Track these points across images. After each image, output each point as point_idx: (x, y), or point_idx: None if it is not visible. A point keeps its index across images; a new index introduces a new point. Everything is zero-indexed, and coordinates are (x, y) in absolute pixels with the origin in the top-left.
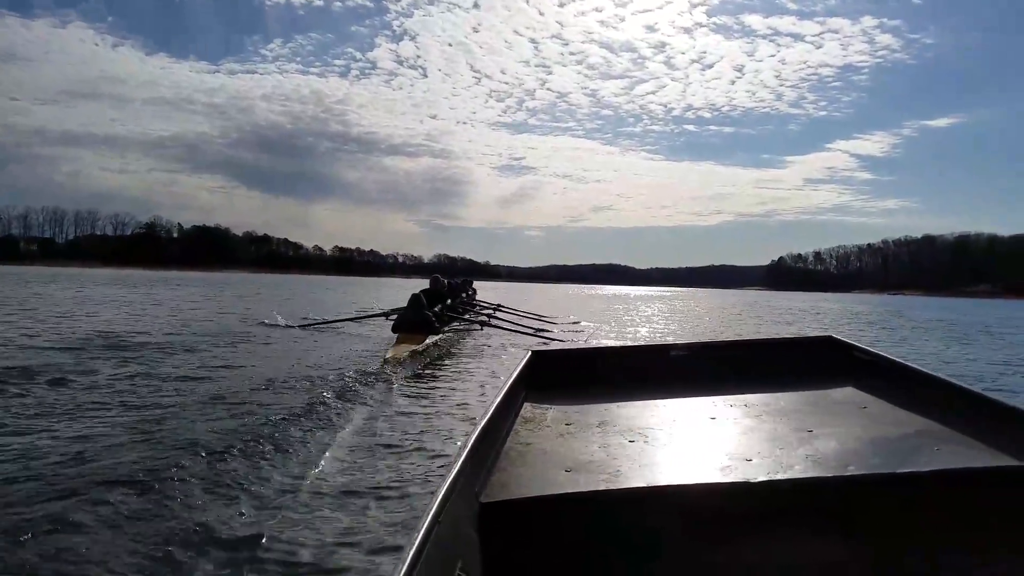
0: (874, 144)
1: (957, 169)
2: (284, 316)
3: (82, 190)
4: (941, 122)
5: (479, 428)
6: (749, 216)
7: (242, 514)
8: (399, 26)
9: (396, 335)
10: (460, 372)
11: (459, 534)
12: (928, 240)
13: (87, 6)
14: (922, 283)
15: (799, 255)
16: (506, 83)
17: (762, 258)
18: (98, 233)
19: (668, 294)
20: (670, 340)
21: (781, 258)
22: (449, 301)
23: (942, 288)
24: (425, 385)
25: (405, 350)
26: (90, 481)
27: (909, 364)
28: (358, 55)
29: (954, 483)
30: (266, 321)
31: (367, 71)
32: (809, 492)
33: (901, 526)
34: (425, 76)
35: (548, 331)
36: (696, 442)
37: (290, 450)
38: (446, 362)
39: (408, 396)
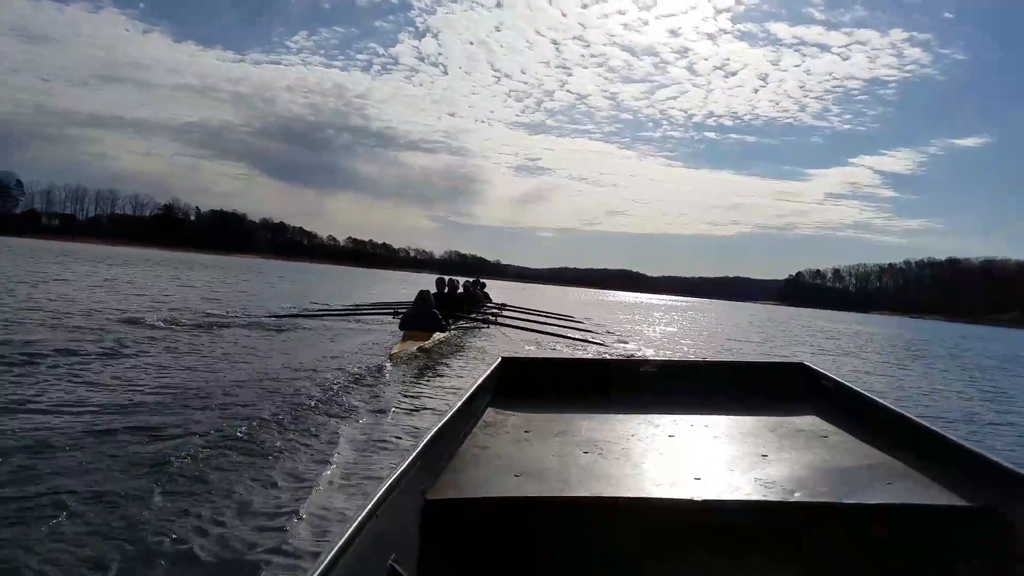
0: (899, 161)
1: (984, 190)
2: (296, 304)
3: (107, 171)
4: (969, 141)
5: (435, 428)
6: (767, 228)
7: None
8: (422, 23)
9: (403, 332)
10: (463, 370)
11: (398, 528)
12: (952, 263)
13: None
14: (945, 308)
15: (817, 271)
16: (526, 83)
17: (778, 272)
18: (118, 212)
19: (682, 304)
20: (641, 356)
21: (799, 273)
22: (458, 304)
23: (965, 314)
24: (428, 382)
25: (411, 347)
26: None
27: (874, 397)
28: (380, 50)
29: (899, 518)
30: (281, 307)
31: (389, 66)
32: (753, 515)
33: (842, 555)
34: (446, 73)
35: (565, 331)
36: (650, 458)
37: (294, 445)
38: (451, 360)
39: (409, 394)
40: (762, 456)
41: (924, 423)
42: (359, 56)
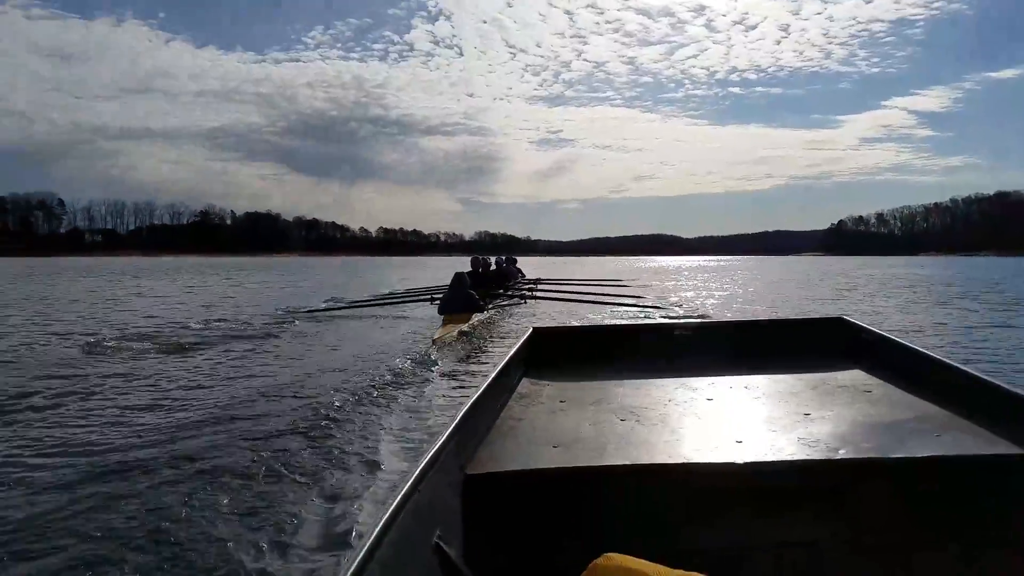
0: (933, 99)
1: None
2: (333, 298)
3: (141, 182)
4: (1006, 73)
5: (470, 402)
6: (801, 179)
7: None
8: (434, 6)
9: (442, 316)
10: (501, 347)
11: (439, 504)
12: (1001, 197)
13: (140, 3)
14: (995, 243)
15: (860, 217)
16: (541, 56)
17: (818, 222)
18: (156, 223)
19: (722, 264)
20: (676, 320)
21: (841, 221)
22: (495, 283)
23: (1018, 247)
24: (472, 363)
25: (452, 330)
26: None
27: (918, 348)
28: (396, 38)
29: (948, 470)
30: (322, 303)
31: (405, 53)
32: (796, 475)
33: (890, 510)
34: (461, 55)
35: (603, 297)
36: (688, 423)
37: (352, 435)
38: (492, 339)
39: (457, 377)
40: (804, 415)
41: (970, 371)
42: (375, 46)
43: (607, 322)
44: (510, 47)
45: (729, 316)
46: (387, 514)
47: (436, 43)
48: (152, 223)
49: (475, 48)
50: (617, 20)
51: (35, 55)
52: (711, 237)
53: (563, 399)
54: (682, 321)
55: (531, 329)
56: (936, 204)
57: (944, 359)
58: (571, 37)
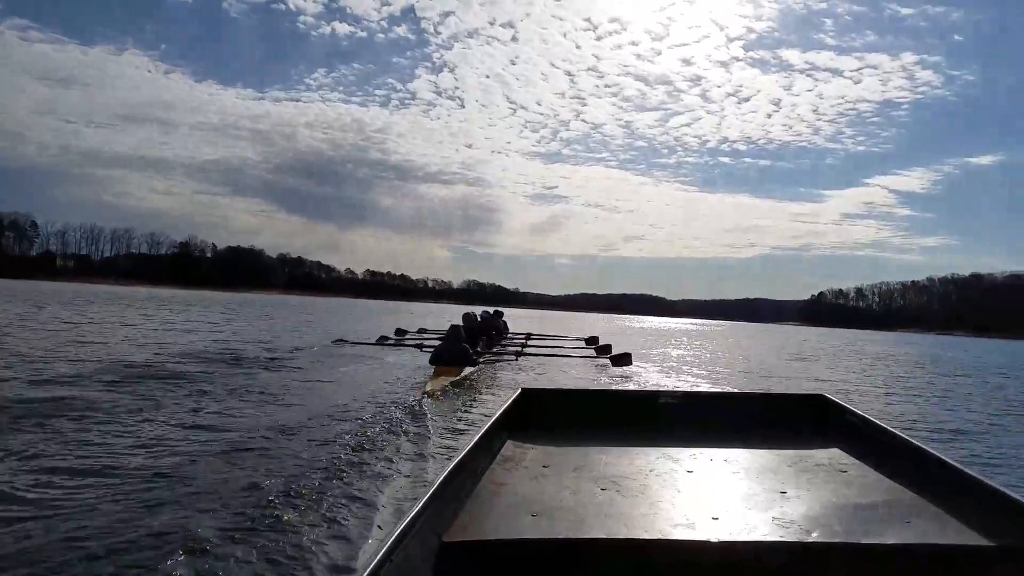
0: (914, 180)
1: (1000, 208)
2: (320, 339)
3: (130, 210)
4: (984, 159)
5: (451, 465)
6: (784, 249)
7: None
8: (439, 58)
9: (434, 366)
10: (493, 406)
11: (413, 571)
12: (976, 278)
13: (142, 34)
14: (971, 323)
15: (840, 291)
16: (541, 114)
17: (797, 292)
18: (133, 251)
19: (705, 328)
20: (660, 387)
21: (821, 293)
22: (484, 337)
23: (992, 329)
24: (465, 417)
25: (444, 382)
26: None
27: (896, 432)
28: (399, 85)
29: (918, 559)
30: (307, 344)
31: (407, 101)
32: (769, 557)
33: None
34: (462, 107)
35: (583, 349)
36: (667, 495)
37: (350, 492)
38: (485, 394)
39: (450, 431)
40: (781, 493)
41: (945, 458)
42: (377, 92)
43: (594, 386)
44: (511, 103)
45: (712, 387)
46: None
47: (438, 93)
48: (129, 251)
49: (476, 101)
50: (616, 85)
51: (29, 77)
52: (695, 300)
53: (546, 464)
54: (667, 390)
55: (519, 389)
56: (914, 282)
57: (920, 444)
58: (571, 98)
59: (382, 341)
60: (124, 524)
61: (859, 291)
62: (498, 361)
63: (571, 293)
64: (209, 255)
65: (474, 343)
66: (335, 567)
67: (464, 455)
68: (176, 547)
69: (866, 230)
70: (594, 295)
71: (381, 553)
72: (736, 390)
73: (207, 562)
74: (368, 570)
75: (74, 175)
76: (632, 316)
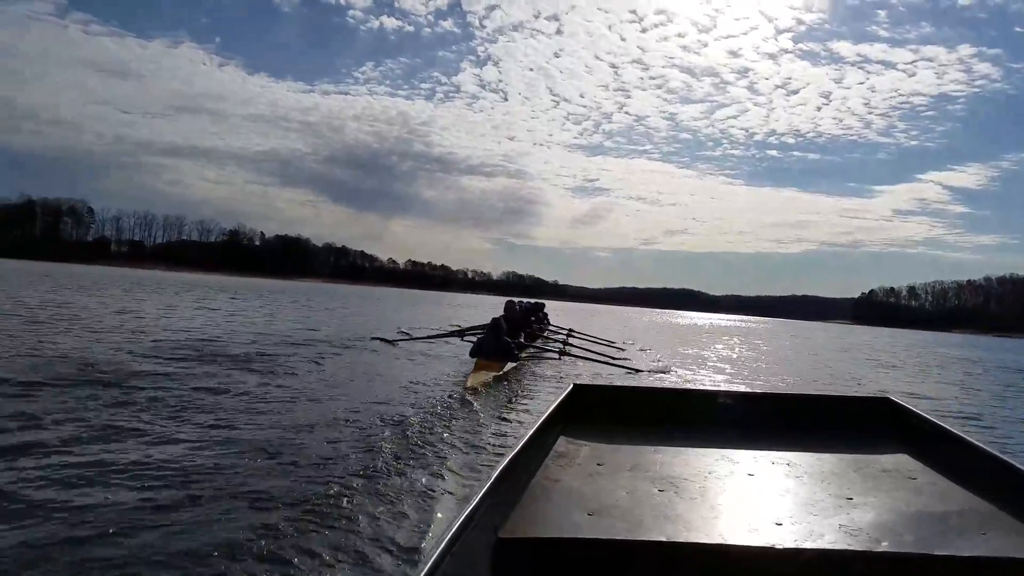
0: (969, 176)
1: None
2: (364, 330)
3: (181, 198)
4: None
5: (506, 461)
6: (832, 245)
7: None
8: (483, 51)
9: (475, 359)
10: (538, 401)
11: (471, 568)
12: None
13: (197, 27)
14: None
15: (891, 289)
16: (584, 106)
17: (845, 290)
18: (184, 238)
19: (751, 325)
20: (719, 387)
21: (872, 291)
22: (525, 330)
23: None
24: (508, 413)
25: (486, 376)
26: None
27: (965, 437)
28: (443, 79)
29: (993, 571)
30: (351, 334)
31: (451, 94)
32: (836, 565)
33: None
34: (506, 99)
35: (626, 360)
36: (728, 499)
37: (392, 484)
38: (528, 390)
39: (491, 428)
40: (847, 499)
41: (1020, 466)
42: (423, 85)
43: (649, 383)
44: (554, 96)
45: (771, 388)
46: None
47: (482, 86)
48: (180, 238)
49: (520, 94)
50: (661, 77)
51: (89, 69)
52: (739, 296)
53: (600, 462)
54: (725, 390)
55: (572, 385)
56: (969, 281)
57: (993, 451)
58: (615, 90)
59: (428, 334)
60: (201, 488)
61: (911, 290)
62: (540, 358)
63: (611, 286)
64: (257, 243)
65: (515, 335)
66: (397, 556)
67: (518, 451)
68: (244, 526)
69: (918, 227)
70: (634, 289)
71: (441, 548)
72: (796, 392)
73: (275, 547)
74: (429, 564)
75: (129, 164)
76: (672, 311)
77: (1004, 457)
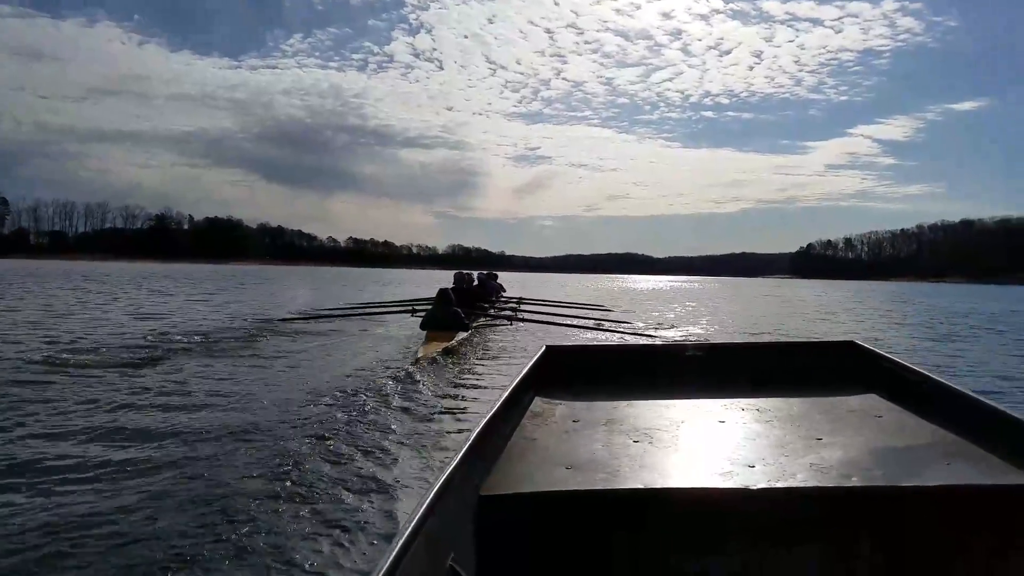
0: (896, 128)
1: (983, 153)
2: (309, 305)
3: (108, 185)
4: (966, 105)
5: (484, 421)
6: (769, 203)
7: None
8: (415, 19)
9: (425, 332)
10: (491, 369)
11: (454, 526)
12: (966, 224)
13: (114, 4)
14: (963, 270)
15: (828, 242)
16: (521, 73)
17: (784, 245)
18: (108, 226)
19: (696, 286)
20: (686, 340)
21: (810, 245)
22: (478, 301)
23: (986, 275)
24: (460, 383)
25: (436, 348)
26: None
27: (932, 375)
28: (375, 48)
29: (960, 499)
30: (290, 312)
31: (384, 64)
32: (808, 501)
33: (901, 541)
34: (441, 68)
35: (580, 320)
36: (701, 445)
37: (343, 458)
38: (479, 359)
39: (444, 396)
40: (816, 439)
41: (981, 398)
42: (354, 56)
43: (618, 341)
44: (490, 63)
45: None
46: (403, 538)
47: (416, 55)
48: (104, 226)
49: (455, 63)
50: (596, 41)
51: (2, 53)
52: (681, 258)
53: (576, 419)
54: (693, 342)
55: (544, 347)
56: (903, 230)
57: (956, 386)
58: (551, 56)
59: (370, 306)
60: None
61: (848, 241)
62: (492, 326)
63: (557, 255)
64: (186, 227)
65: (469, 306)
66: (378, 521)
67: (495, 412)
68: (219, 508)
69: (850, 180)
70: (580, 256)
71: (423, 508)
72: (764, 340)
73: (256, 522)
74: (413, 524)
75: (53, 152)
76: (618, 275)
77: (965, 391)
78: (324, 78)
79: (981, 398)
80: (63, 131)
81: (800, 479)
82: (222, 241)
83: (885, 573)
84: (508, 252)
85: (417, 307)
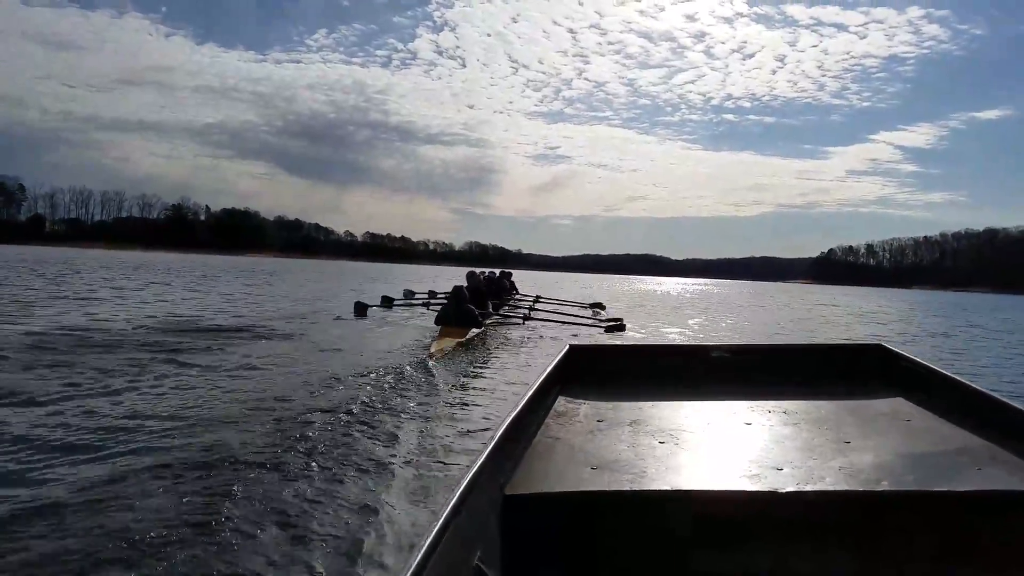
0: (919, 136)
1: (1007, 162)
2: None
3: (130, 174)
4: (990, 114)
5: (508, 420)
6: (789, 207)
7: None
8: (440, 17)
9: (439, 327)
10: (504, 365)
11: (480, 525)
12: (990, 233)
13: None
14: (988, 280)
15: (850, 248)
16: (543, 73)
17: (802, 250)
18: (124, 215)
19: (715, 289)
20: (712, 341)
21: (831, 250)
22: (492, 299)
23: (1012, 286)
24: (473, 379)
25: (450, 343)
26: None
27: (960, 379)
28: (399, 45)
29: (991, 506)
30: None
31: (408, 61)
32: (837, 506)
33: (931, 546)
34: (464, 66)
35: (595, 320)
36: (727, 447)
37: (357, 445)
38: (490, 355)
39: (459, 391)
40: (845, 443)
41: (1011, 402)
42: (378, 52)
43: (644, 342)
44: (513, 62)
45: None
46: (430, 537)
47: (440, 53)
48: (120, 215)
49: (478, 60)
50: (619, 42)
51: (32, 42)
52: (699, 260)
53: (600, 419)
54: (718, 343)
55: (567, 346)
56: (926, 237)
57: (984, 390)
58: (573, 56)
59: (391, 302)
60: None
61: (870, 247)
62: (505, 324)
63: (574, 254)
64: (203, 217)
65: (482, 304)
66: (400, 522)
67: (519, 411)
68: (249, 495)
69: (871, 187)
70: (597, 255)
71: (450, 507)
72: (790, 343)
73: (284, 515)
74: (439, 524)
75: (77, 140)
76: (634, 276)
77: (995, 395)
78: (348, 73)
79: (1011, 403)
80: (87, 120)
81: (828, 483)
82: (239, 232)
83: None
84: (525, 250)
85: (432, 303)
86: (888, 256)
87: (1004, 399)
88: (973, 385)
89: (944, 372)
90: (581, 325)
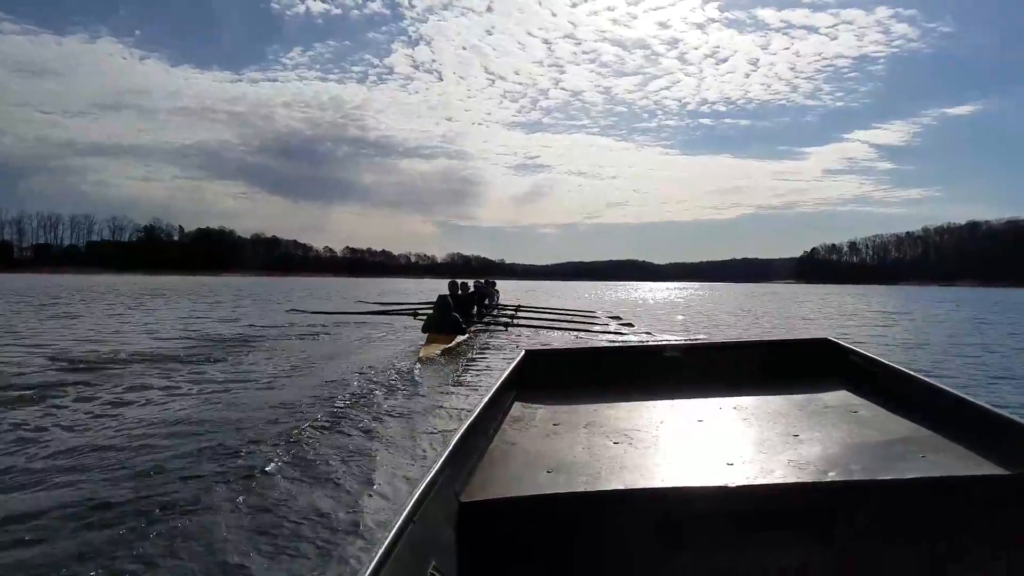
0: (893, 133)
1: (981, 156)
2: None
3: (109, 198)
4: (962, 110)
5: (464, 427)
6: (768, 208)
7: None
8: (415, 31)
9: (426, 335)
10: (481, 370)
11: (435, 533)
12: (972, 227)
13: (117, 20)
14: (973, 273)
15: (832, 246)
16: (520, 83)
17: (784, 251)
18: (95, 239)
19: (700, 293)
20: (664, 340)
21: (814, 249)
22: (475, 307)
23: (997, 278)
24: (458, 382)
25: (436, 349)
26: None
27: (904, 369)
28: (375, 61)
29: (935, 491)
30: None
31: (384, 76)
32: (787, 498)
33: (879, 534)
34: (440, 79)
35: (575, 326)
36: (680, 445)
37: (352, 447)
38: (476, 360)
39: (443, 394)
40: (793, 436)
41: (956, 392)
42: (354, 68)
43: (598, 344)
44: (489, 74)
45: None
46: (384, 546)
47: (416, 67)
48: (91, 239)
49: (454, 73)
50: (594, 51)
51: (5, 70)
52: (683, 263)
53: (556, 422)
54: (671, 342)
55: (523, 351)
56: (908, 233)
57: (928, 380)
58: (549, 66)
59: (378, 310)
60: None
61: (852, 245)
62: (488, 330)
63: (557, 262)
64: (176, 238)
65: (466, 312)
66: (360, 526)
67: (475, 417)
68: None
69: (848, 185)
70: (580, 263)
71: (403, 515)
72: (740, 339)
73: (255, 519)
74: (393, 532)
75: (52, 166)
76: (619, 283)
77: (937, 383)
78: (324, 90)
79: (953, 391)
80: (64, 146)
81: (778, 475)
82: (214, 252)
83: (865, 565)
84: (508, 260)
85: (419, 311)
86: (871, 253)
87: (946, 387)
88: (914, 374)
89: (887, 363)
90: (568, 330)
